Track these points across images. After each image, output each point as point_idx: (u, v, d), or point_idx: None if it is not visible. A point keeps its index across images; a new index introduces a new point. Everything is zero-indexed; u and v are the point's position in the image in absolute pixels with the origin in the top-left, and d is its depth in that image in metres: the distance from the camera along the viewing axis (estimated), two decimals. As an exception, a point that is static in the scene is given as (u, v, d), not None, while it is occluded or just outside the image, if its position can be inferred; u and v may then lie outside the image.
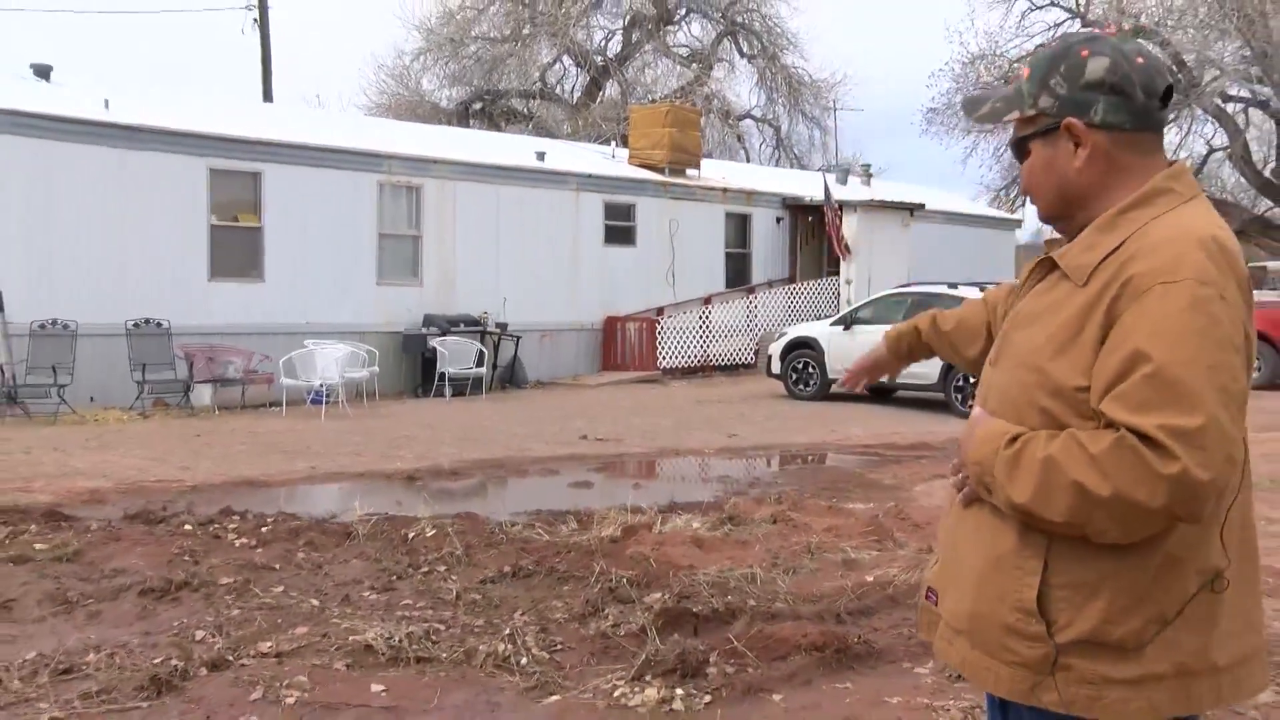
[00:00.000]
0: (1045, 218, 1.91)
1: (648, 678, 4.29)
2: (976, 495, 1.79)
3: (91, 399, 13.69)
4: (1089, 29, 1.94)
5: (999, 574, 1.73)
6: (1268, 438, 9.74)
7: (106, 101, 14.94)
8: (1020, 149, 1.87)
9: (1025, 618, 1.70)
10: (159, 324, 14.49)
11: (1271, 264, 22.33)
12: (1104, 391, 1.63)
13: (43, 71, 15.86)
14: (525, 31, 34.86)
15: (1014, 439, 1.69)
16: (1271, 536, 6.91)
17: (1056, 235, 2.00)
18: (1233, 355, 1.64)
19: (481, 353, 17.04)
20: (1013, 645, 1.71)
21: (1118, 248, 1.72)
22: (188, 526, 7.10)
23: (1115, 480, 1.57)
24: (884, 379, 2.66)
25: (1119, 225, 1.76)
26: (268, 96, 26.63)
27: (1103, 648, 1.67)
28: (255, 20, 27.22)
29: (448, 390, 16.37)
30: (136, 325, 14.34)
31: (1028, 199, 1.97)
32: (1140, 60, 1.77)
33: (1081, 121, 1.77)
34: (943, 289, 15.45)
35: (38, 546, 6.49)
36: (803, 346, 16.61)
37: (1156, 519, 1.60)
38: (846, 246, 21.19)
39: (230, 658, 4.53)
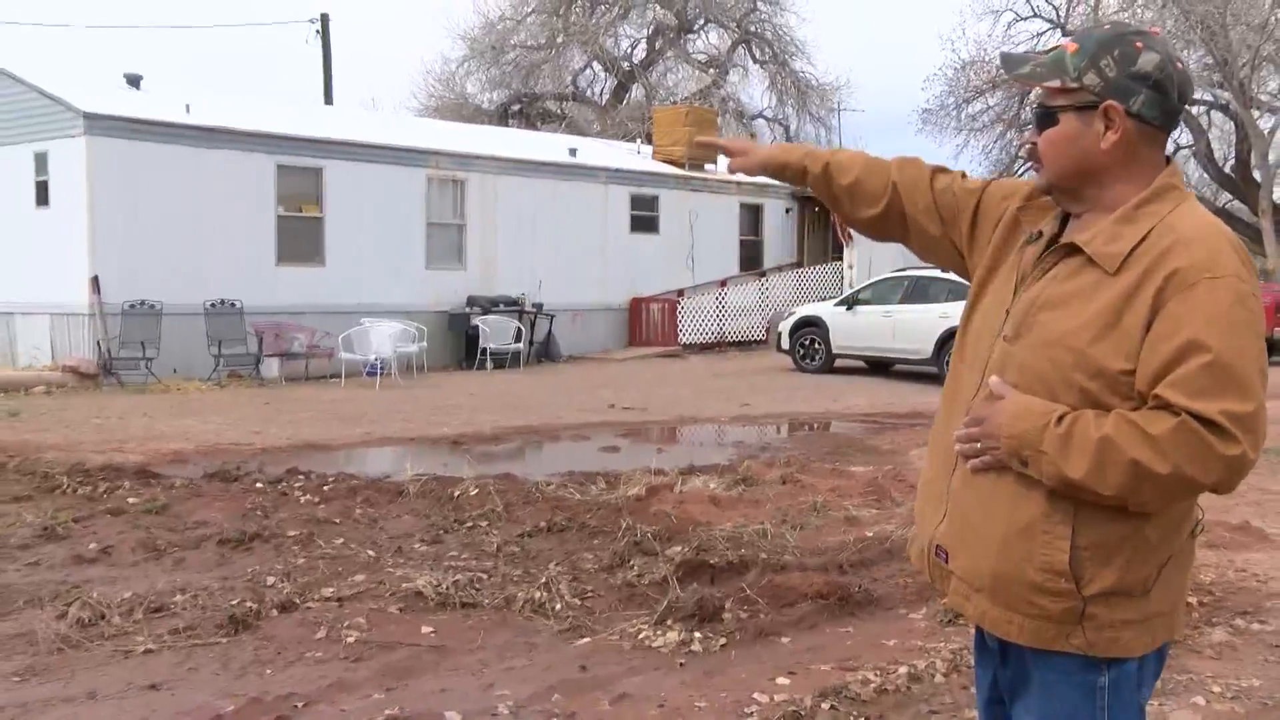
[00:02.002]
0: (1048, 185, 1.81)
1: (669, 622, 4.30)
2: (995, 464, 1.73)
3: (174, 370, 13.77)
4: (1139, 26, 1.84)
5: (1026, 539, 1.70)
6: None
7: (188, 106, 14.96)
8: (1047, 116, 1.77)
9: (1054, 577, 1.68)
10: (233, 304, 14.57)
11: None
12: (1157, 376, 1.60)
13: (134, 81, 15.89)
14: (559, 40, 34.69)
15: (1061, 418, 1.64)
16: (1254, 505, 6.87)
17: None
18: (1264, 344, 1.65)
19: (519, 330, 17.05)
20: (1039, 601, 1.71)
21: (1144, 238, 1.68)
22: (259, 484, 7.15)
23: (1174, 459, 1.56)
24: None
25: (1138, 218, 1.71)
26: (328, 99, 26.61)
27: (1120, 596, 1.69)
28: (318, 32, 27.24)
29: (489, 364, 16.40)
30: (213, 305, 14.43)
31: (1034, 165, 1.83)
32: (1179, 66, 1.73)
33: (1121, 107, 1.70)
34: (936, 272, 15.31)
35: (131, 500, 6.58)
36: (809, 325, 16.52)
37: (1200, 492, 1.63)
38: (849, 234, 21.01)
39: (297, 601, 4.57)
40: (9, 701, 3.60)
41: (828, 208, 2.18)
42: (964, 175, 2.07)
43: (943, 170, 2.08)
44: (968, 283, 2.02)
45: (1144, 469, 1.57)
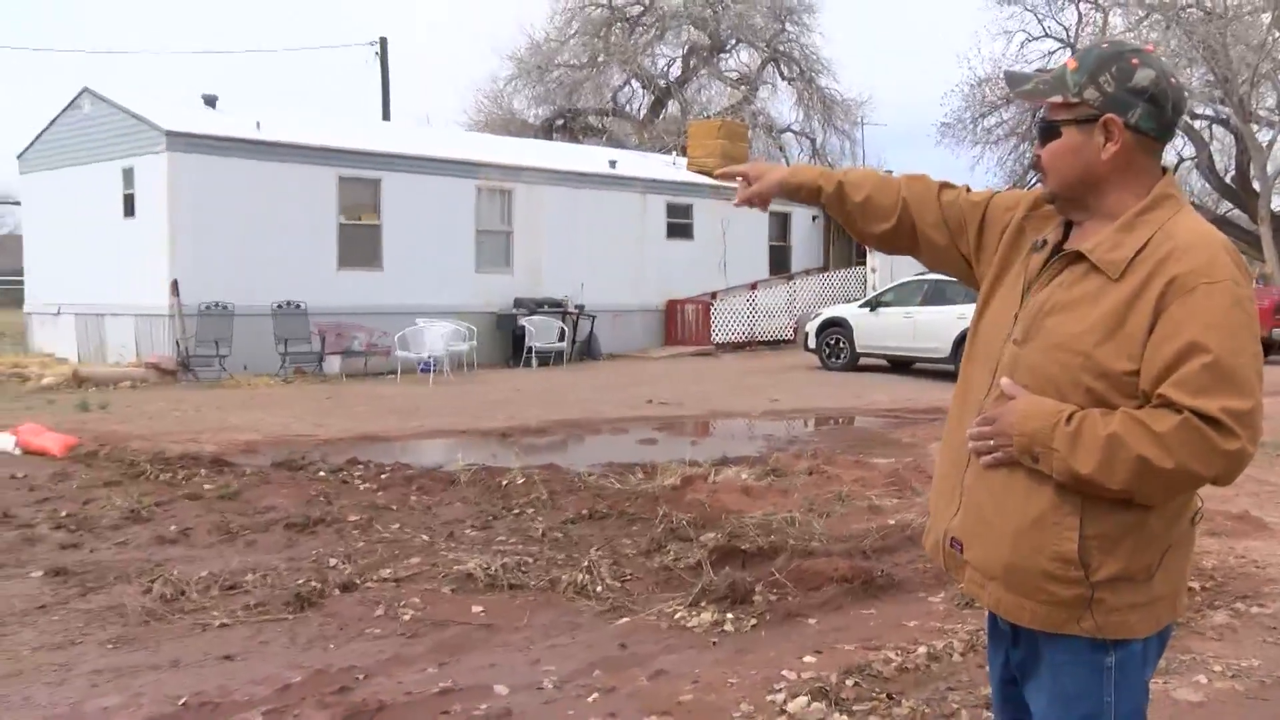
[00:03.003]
0: (1052, 195, 1.81)
1: (703, 604, 4.30)
2: (1007, 460, 1.72)
3: (245, 367, 13.93)
4: (1136, 44, 1.83)
5: (1037, 531, 1.70)
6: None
7: (258, 123, 15.15)
8: (1050, 130, 1.77)
9: (1064, 565, 1.68)
10: (298, 306, 14.73)
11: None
12: (1160, 377, 1.60)
13: (210, 101, 16.11)
14: (600, 59, 34.74)
15: (1070, 417, 1.64)
16: (1252, 495, 6.73)
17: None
18: (1259, 344, 1.64)
19: (563, 330, 17.09)
20: (1050, 588, 1.71)
21: (1145, 245, 1.67)
22: (322, 473, 7.21)
23: (1179, 455, 1.56)
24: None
25: (1138, 226, 1.70)
26: (386, 116, 26.83)
27: (1125, 581, 1.69)
28: (377, 54, 27.48)
29: (534, 361, 16.45)
30: (280, 307, 14.59)
31: (1039, 177, 1.83)
32: (1174, 81, 1.72)
33: (1120, 120, 1.70)
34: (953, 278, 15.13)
35: (206, 487, 6.66)
36: (834, 325, 16.41)
37: (1202, 485, 1.63)
38: (872, 240, 20.83)
39: (357, 581, 4.61)
40: (105, 666, 3.69)
41: (841, 225, 2.15)
42: (968, 189, 2.07)
43: (948, 185, 2.07)
44: (975, 289, 2.01)
45: (1150, 464, 1.57)
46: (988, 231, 1.97)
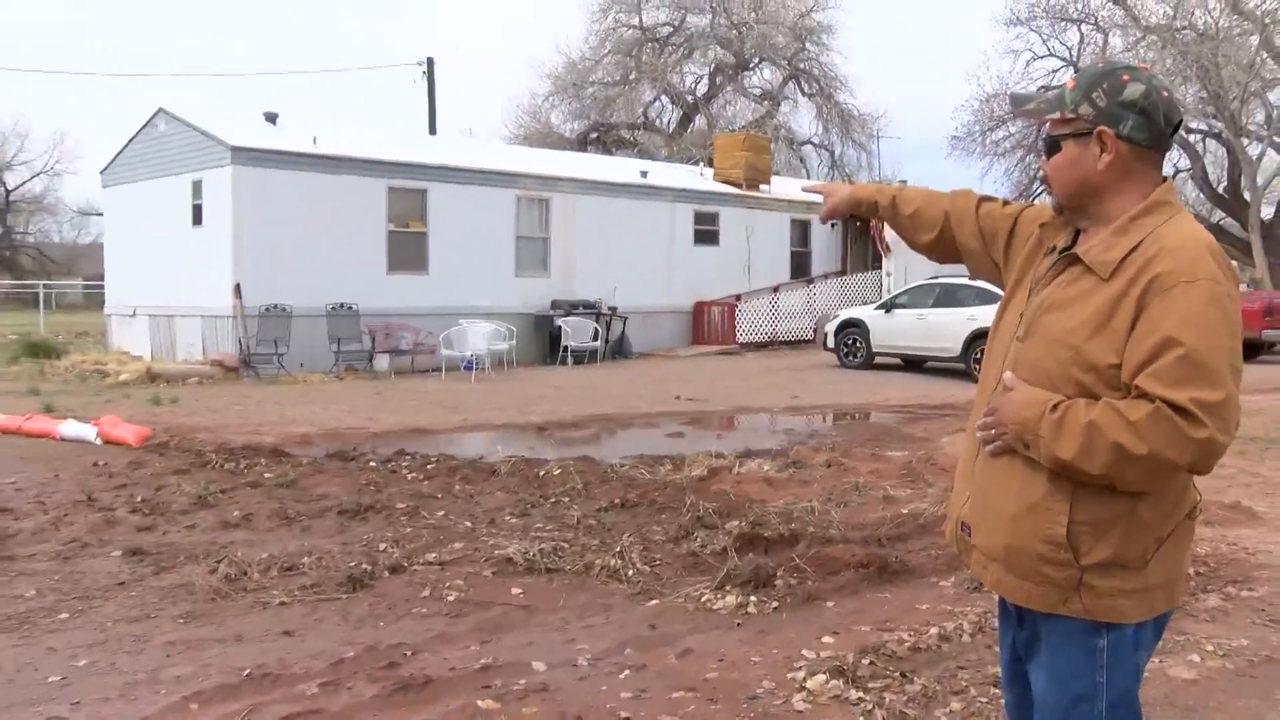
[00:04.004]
0: (1059, 204, 1.84)
1: (728, 587, 4.30)
2: (1006, 448, 1.75)
3: (301, 364, 14.06)
4: (1128, 62, 1.84)
5: (1032, 515, 1.72)
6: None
7: (314, 138, 15.30)
8: (1052, 145, 1.80)
9: (1055, 548, 1.70)
10: (350, 307, 14.85)
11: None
12: (1138, 369, 1.61)
13: (271, 118, 16.28)
14: (631, 77, 34.79)
15: (1056, 406, 1.66)
16: (1244, 487, 6.62)
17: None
18: (1238, 341, 1.63)
19: (596, 330, 17.11)
20: (1044, 570, 1.72)
21: (1135, 248, 1.68)
22: (372, 464, 7.25)
23: (1151, 442, 1.56)
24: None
25: (1132, 230, 1.72)
26: (432, 130, 26.98)
27: (1116, 568, 1.69)
28: (424, 73, 27.67)
29: (570, 359, 16.48)
30: (334, 308, 14.72)
31: (1046, 188, 1.88)
32: (1164, 94, 1.73)
33: (1112, 131, 1.72)
34: (965, 279, 14.99)
35: (266, 475, 6.74)
36: (852, 326, 16.31)
37: (1178, 472, 1.63)
38: (887, 246, 20.65)
39: (405, 564, 4.65)
40: (177, 638, 3.76)
41: (898, 234, 2.25)
42: (1005, 202, 2.11)
43: (988, 199, 2.12)
44: (997, 289, 2.05)
45: (1125, 450, 1.58)
46: (1015, 241, 2.02)
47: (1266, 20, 23.11)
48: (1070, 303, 1.72)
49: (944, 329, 14.58)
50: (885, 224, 2.24)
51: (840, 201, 2.24)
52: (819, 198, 2.32)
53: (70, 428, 8.42)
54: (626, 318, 18.10)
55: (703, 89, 36.39)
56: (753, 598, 4.18)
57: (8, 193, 42.94)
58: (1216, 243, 1.71)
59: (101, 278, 19.54)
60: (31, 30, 67.34)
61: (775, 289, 20.61)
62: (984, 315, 13.28)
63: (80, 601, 4.19)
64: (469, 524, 5.49)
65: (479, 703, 3.17)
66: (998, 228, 2.05)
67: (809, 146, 37.65)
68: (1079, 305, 1.70)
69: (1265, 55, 23.66)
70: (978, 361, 14.02)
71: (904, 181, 31.48)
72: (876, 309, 16.23)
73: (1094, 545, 1.68)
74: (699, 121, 35.73)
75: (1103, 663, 1.73)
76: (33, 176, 43.52)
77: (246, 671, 3.40)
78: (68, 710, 3.15)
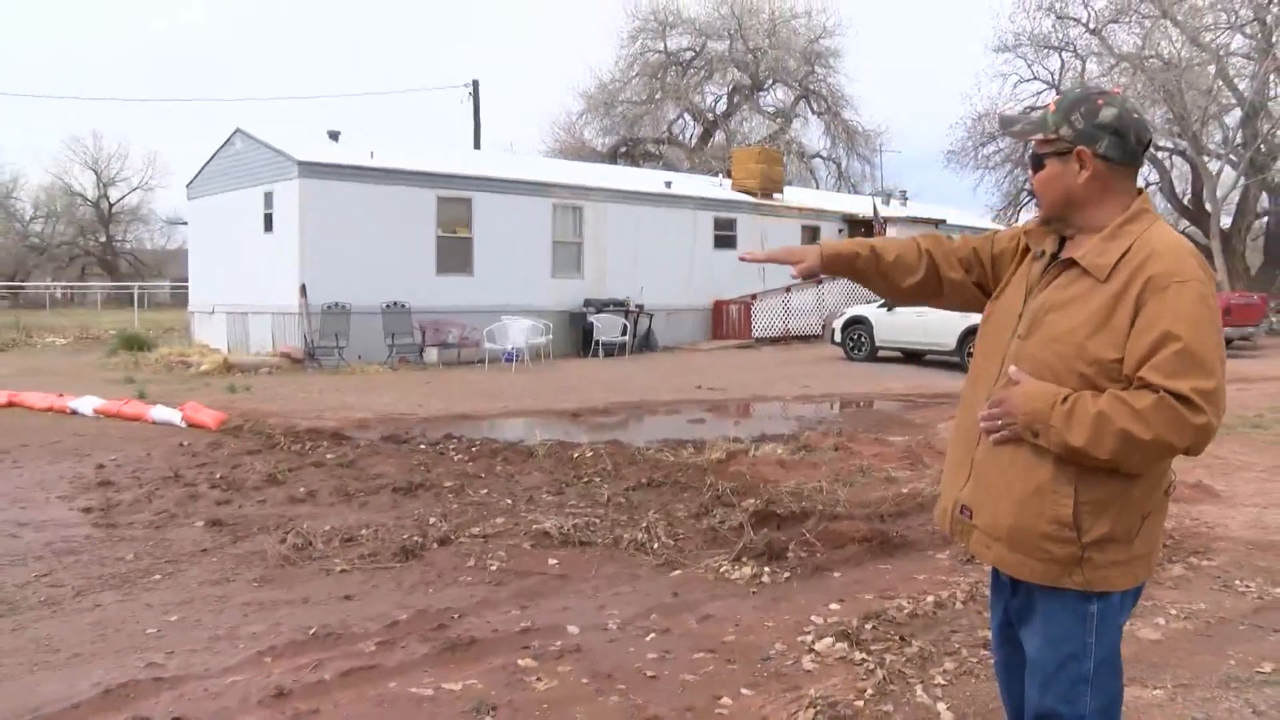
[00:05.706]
0: (1046, 217, 1.85)
1: (744, 559, 4.30)
2: (1012, 437, 1.74)
3: (359, 357, 14.18)
4: (1104, 87, 1.84)
5: (1039, 498, 1.72)
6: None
7: (371, 153, 15.42)
8: (1037, 162, 1.82)
9: (1061, 528, 1.70)
10: (403, 305, 14.95)
11: None
12: (1140, 363, 1.62)
13: (334, 135, 16.44)
14: (657, 96, 34.76)
15: (1066, 398, 1.66)
16: (1206, 467, 6.50)
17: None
18: (1221, 335, 1.65)
19: (625, 325, 17.10)
20: (1048, 547, 1.72)
21: (1127, 251, 1.70)
22: (422, 446, 7.26)
23: (1156, 428, 1.58)
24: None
25: (1120, 235, 1.73)
26: (477, 145, 27.08)
27: (1111, 542, 1.70)
28: (470, 93, 27.80)
29: (601, 352, 16.49)
30: (388, 306, 14.83)
31: (1035, 201, 1.90)
32: (1136, 116, 1.74)
33: (1090, 150, 1.73)
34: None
35: (328, 456, 6.79)
36: (857, 322, 16.19)
37: (1175, 454, 1.64)
38: (891, 249, 20.48)
39: (452, 537, 4.67)
40: (252, 600, 3.82)
41: (875, 293, 2.14)
42: (965, 238, 2.11)
43: (949, 237, 2.11)
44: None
45: (1132, 436, 1.59)
46: (1000, 257, 2.00)
47: (1220, 53, 23.97)
48: (1070, 303, 1.73)
49: (941, 325, 14.52)
50: (866, 268, 2.05)
51: (813, 263, 2.09)
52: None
53: (159, 412, 8.57)
54: (652, 315, 18.08)
55: (721, 107, 36.29)
56: (766, 569, 4.18)
57: (110, 205, 43.73)
58: (1195, 247, 1.72)
59: (186, 280, 19.92)
60: (129, 63, 68.80)
61: (787, 289, 20.46)
62: (976, 313, 13.15)
63: (170, 565, 4.27)
64: (509, 501, 5.51)
65: (519, 661, 3.19)
66: (979, 253, 2.02)
67: (818, 159, 37.43)
68: (1078, 305, 1.71)
69: (1221, 83, 24.36)
70: (970, 354, 14.00)
71: (904, 191, 31.09)
72: (880, 307, 16.08)
73: (1094, 523, 1.69)
74: (718, 136, 35.61)
75: (1093, 626, 1.75)
76: (130, 191, 44.35)
77: (312, 630, 3.44)
78: (163, 658, 3.22)
